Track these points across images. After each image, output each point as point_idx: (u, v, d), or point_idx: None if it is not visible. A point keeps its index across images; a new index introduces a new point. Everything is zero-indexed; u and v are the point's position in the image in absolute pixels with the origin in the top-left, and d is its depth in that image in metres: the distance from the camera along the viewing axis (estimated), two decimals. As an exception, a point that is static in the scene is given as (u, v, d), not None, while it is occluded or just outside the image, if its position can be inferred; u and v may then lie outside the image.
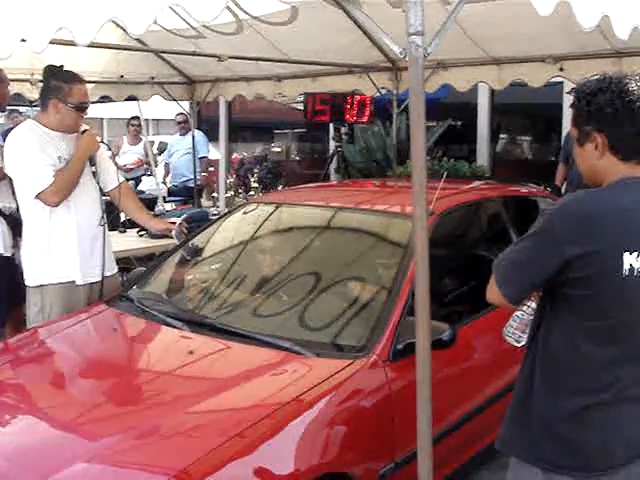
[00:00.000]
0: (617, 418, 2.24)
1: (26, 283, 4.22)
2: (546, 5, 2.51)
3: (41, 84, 6.20)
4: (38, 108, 4.36)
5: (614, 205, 2.14)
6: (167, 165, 10.79)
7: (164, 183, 10.57)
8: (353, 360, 3.09)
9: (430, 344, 2.64)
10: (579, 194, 2.21)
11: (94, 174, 4.33)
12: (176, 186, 10.06)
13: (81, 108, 4.21)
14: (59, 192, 4.06)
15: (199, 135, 9.91)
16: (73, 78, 4.21)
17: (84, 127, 4.32)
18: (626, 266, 2.08)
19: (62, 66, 4.28)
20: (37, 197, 4.05)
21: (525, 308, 2.43)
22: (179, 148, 10.11)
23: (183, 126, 10.10)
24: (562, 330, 2.22)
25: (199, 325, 3.56)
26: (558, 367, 2.25)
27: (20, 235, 4.62)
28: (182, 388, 3.09)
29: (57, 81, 4.15)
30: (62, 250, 4.17)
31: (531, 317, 2.41)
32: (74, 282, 4.19)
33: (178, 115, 10.12)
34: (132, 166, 9.53)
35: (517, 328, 2.48)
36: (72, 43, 2.67)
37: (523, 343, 2.46)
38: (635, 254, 2.09)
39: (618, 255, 2.07)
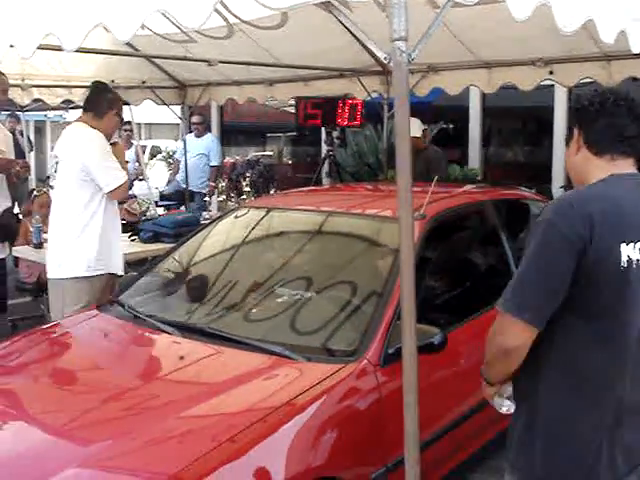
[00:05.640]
0: (619, 429, 2.22)
1: (77, 274, 4.54)
2: (523, 9, 2.52)
3: (33, 89, 6.45)
4: (31, 112, 4.54)
5: (609, 197, 2.15)
6: (177, 162, 10.33)
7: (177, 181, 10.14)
8: (344, 364, 3.09)
9: (416, 351, 2.63)
10: (571, 191, 2.25)
11: None
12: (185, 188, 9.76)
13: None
14: (123, 192, 4.86)
15: (213, 142, 9.84)
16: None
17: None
18: (624, 257, 2.08)
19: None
20: (110, 193, 4.62)
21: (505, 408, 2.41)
22: (190, 149, 9.58)
23: (197, 127, 9.86)
24: (566, 338, 2.19)
25: (190, 330, 3.56)
26: (564, 381, 2.22)
27: (9, 239, 4.70)
28: (173, 393, 3.08)
29: (113, 94, 4.95)
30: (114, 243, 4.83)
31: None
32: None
33: (194, 116, 9.85)
34: None
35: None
36: (61, 48, 2.67)
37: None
38: (632, 245, 2.09)
39: (616, 246, 2.08)
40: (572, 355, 2.18)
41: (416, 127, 7.07)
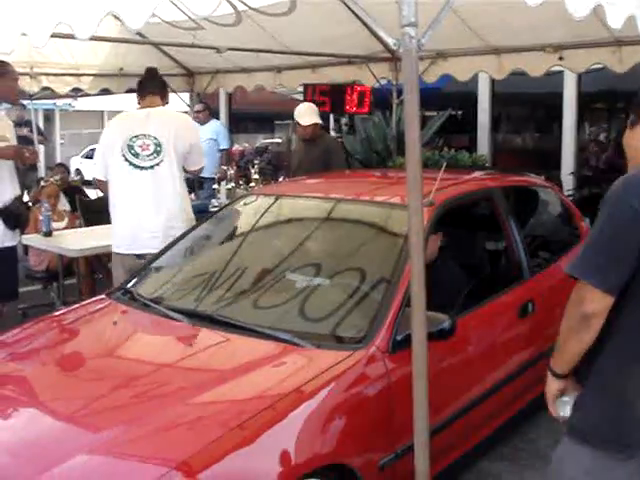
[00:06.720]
0: None
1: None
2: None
3: (41, 77, 6.47)
4: (41, 101, 4.52)
5: None
6: None
7: None
8: (353, 351, 3.10)
9: (426, 339, 2.64)
10: (631, 172, 2.32)
11: None
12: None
13: None
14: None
15: (219, 126, 9.80)
16: None
17: None
18: None
19: None
20: (196, 170, 5.11)
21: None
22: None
23: (197, 116, 9.75)
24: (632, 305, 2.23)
25: (199, 317, 3.57)
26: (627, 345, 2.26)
27: (19, 227, 4.71)
28: (183, 380, 3.09)
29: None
30: None
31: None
32: None
33: (197, 104, 9.80)
34: None
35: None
36: (72, 37, 2.68)
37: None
38: None
39: None
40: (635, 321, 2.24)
41: (315, 114, 7.01)
